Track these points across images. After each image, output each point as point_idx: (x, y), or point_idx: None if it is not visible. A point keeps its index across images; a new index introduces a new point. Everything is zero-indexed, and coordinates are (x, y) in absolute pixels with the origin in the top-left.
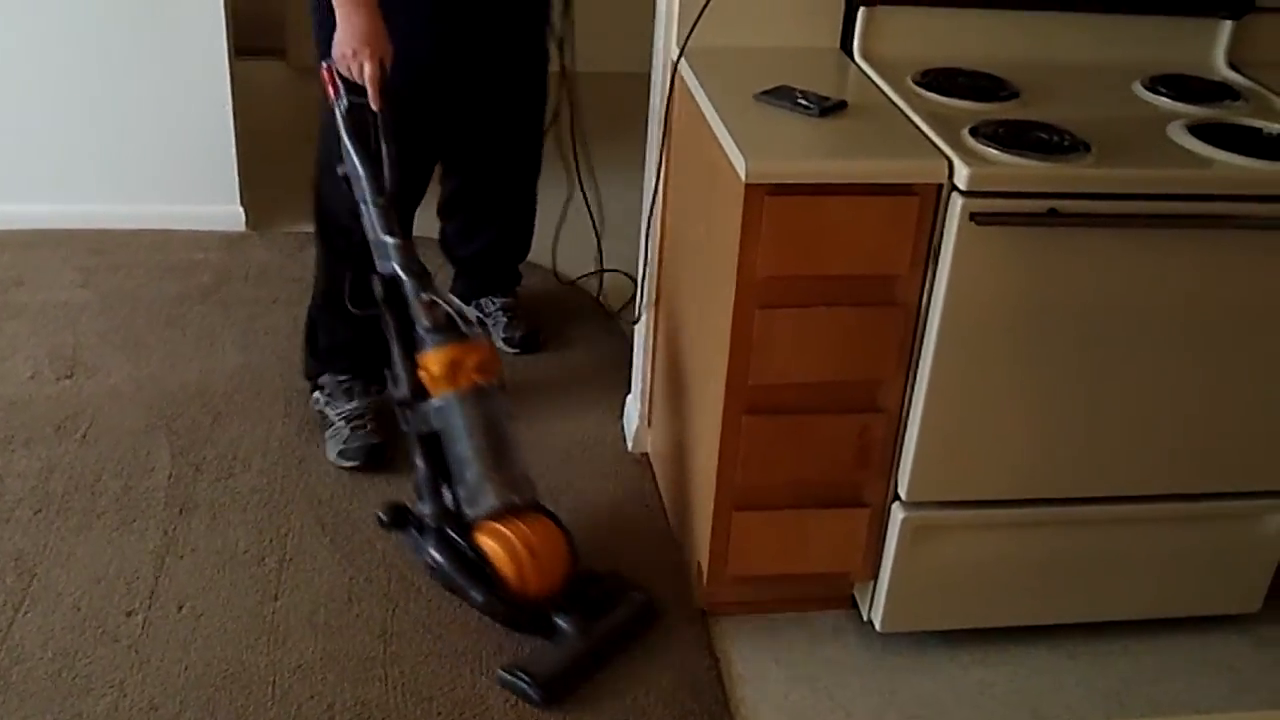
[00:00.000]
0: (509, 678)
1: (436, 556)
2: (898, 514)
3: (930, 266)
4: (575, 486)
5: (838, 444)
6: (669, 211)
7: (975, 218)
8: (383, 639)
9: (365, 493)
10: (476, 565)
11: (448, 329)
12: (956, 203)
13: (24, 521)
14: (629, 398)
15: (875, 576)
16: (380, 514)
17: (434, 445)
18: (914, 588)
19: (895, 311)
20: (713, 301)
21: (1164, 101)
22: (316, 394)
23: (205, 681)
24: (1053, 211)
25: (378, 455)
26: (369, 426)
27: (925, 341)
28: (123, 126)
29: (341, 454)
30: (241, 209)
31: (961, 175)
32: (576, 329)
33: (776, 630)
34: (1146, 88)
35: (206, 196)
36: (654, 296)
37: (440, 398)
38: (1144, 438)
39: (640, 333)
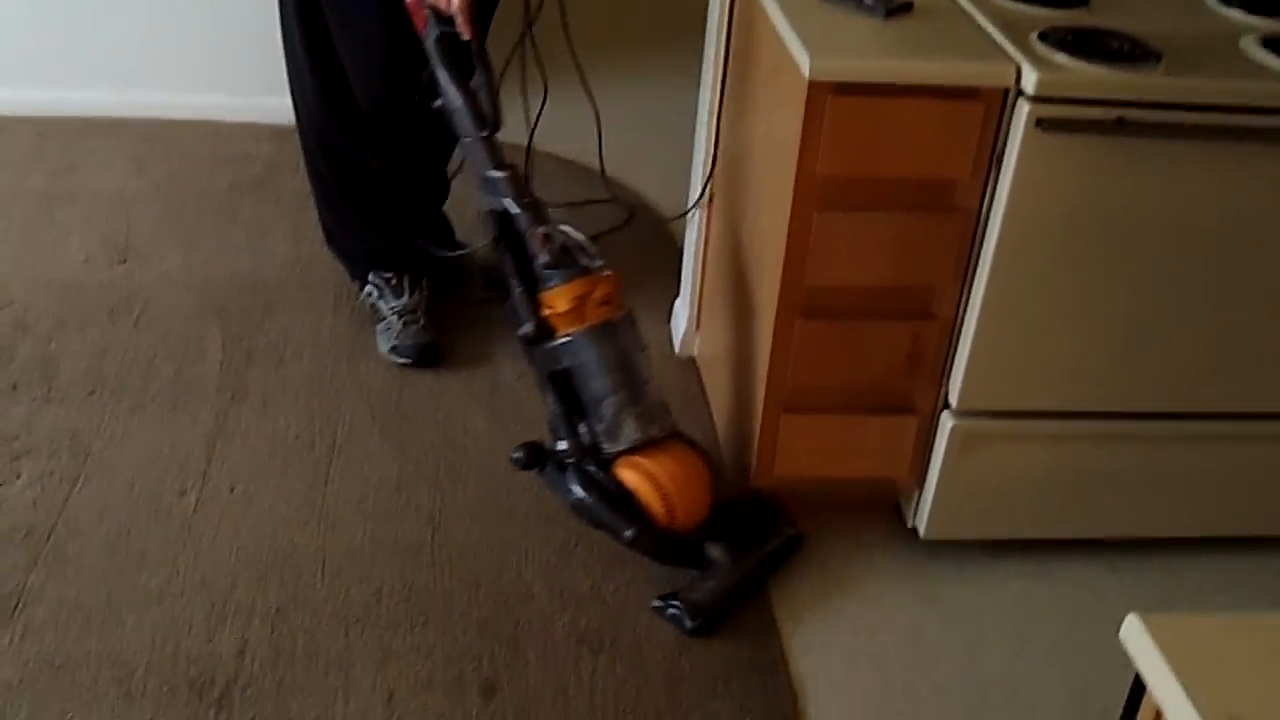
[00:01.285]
0: (663, 605)
1: (582, 494)
2: (946, 422)
3: (992, 173)
4: None
5: (890, 350)
6: (724, 112)
7: (1041, 124)
8: (430, 526)
9: (415, 384)
10: (623, 500)
11: (569, 263)
12: (1023, 108)
13: (78, 401)
14: (677, 301)
15: (921, 484)
16: (515, 454)
17: (564, 382)
18: (959, 497)
19: (954, 217)
20: (769, 203)
21: (1237, 14)
22: (368, 288)
23: (257, 560)
24: (1120, 121)
25: (430, 354)
26: (421, 322)
27: (983, 249)
28: (175, 16)
29: (394, 350)
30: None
31: (1029, 80)
32: (623, 233)
33: (819, 536)
34: (1220, 0)
35: (258, 88)
36: (707, 199)
37: (568, 335)
38: (1198, 354)
39: (691, 236)
